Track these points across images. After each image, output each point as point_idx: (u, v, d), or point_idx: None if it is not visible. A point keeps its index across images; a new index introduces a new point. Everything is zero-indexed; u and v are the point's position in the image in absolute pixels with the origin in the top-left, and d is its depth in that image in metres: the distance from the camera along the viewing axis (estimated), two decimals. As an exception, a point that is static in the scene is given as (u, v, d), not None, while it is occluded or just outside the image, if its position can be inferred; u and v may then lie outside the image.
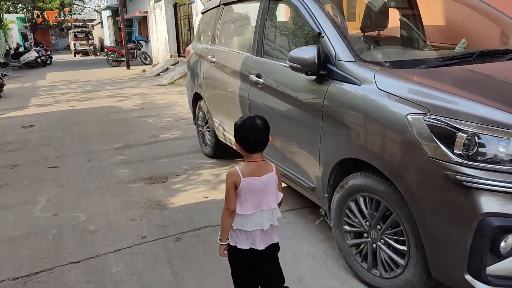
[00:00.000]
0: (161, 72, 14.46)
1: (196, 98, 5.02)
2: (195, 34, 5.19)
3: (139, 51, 20.55)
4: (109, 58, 20.16)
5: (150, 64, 19.78)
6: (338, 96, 2.40)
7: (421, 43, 3.62)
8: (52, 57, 24.15)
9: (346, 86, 2.37)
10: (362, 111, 2.22)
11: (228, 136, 4.10)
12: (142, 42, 21.24)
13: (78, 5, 41.29)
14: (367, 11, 3.57)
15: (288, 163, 3.04)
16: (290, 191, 3.51)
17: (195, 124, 5.29)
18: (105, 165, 4.88)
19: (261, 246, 1.94)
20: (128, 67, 17.87)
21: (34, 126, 7.22)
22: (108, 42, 32.64)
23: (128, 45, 18.37)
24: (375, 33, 3.73)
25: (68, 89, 12.30)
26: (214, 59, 4.25)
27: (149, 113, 7.84)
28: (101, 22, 37.14)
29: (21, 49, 23.95)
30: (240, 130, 1.94)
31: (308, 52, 2.51)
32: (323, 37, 2.61)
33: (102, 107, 8.86)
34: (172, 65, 14.59)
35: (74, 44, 33.73)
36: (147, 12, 19.21)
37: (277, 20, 3.53)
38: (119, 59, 19.97)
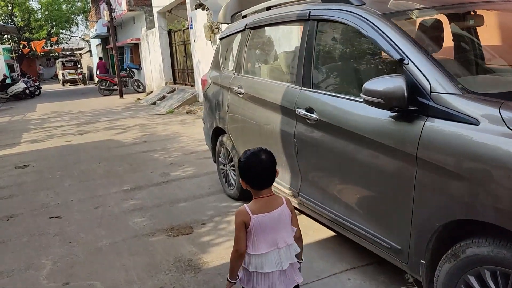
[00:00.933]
0: (157, 100, 13.95)
1: (217, 133, 4.49)
2: (212, 62, 4.70)
3: (132, 79, 20.07)
4: (100, 87, 19.62)
5: (143, 92, 19.30)
6: (443, 138, 1.88)
7: (484, 66, 3.16)
8: (41, 88, 23.52)
9: (454, 126, 1.86)
10: (488, 160, 1.70)
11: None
12: (134, 70, 20.77)
13: (65, 34, 40.98)
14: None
15: (356, 215, 2.50)
16: (341, 243, 2.97)
17: (214, 162, 4.74)
18: (116, 212, 4.27)
19: (285, 286, 1.82)
20: (121, 96, 17.33)
21: (28, 166, 6.59)
22: (98, 71, 32.14)
23: (120, 73, 17.87)
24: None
25: (61, 121, 11.69)
26: (242, 90, 3.74)
27: (153, 147, 7.27)
28: (90, 51, 36.76)
29: (8, 81, 23.32)
30: (245, 167, 1.86)
31: (393, 83, 2.01)
32: (407, 63, 2.11)
33: (101, 141, 8.26)
34: (169, 92, 14.09)
35: (63, 74, 33.18)
36: (139, 39, 18.83)
37: (331, 45, 3.04)
38: (111, 87, 19.45)
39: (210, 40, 10.23)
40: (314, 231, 3.42)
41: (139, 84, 19.96)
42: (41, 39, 31.48)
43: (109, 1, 16.51)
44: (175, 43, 15.03)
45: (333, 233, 3.34)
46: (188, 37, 13.54)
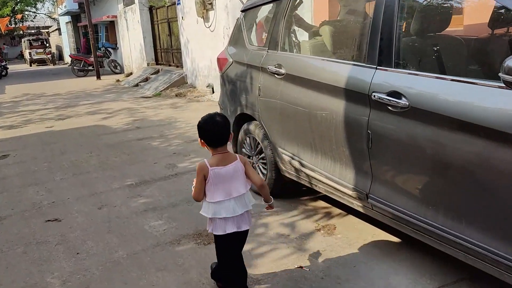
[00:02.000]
0: (140, 82, 13.08)
1: (239, 120, 3.91)
2: (231, 38, 4.07)
3: (108, 59, 18.98)
4: (74, 67, 18.43)
5: (120, 73, 18.29)
6: None
7: None
8: (8, 68, 21.99)
9: None
10: None
11: (307, 173, 3.04)
12: (110, 50, 19.64)
13: (30, 11, 38.63)
14: None
15: (467, 227, 2.00)
16: (412, 252, 2.50)
17: (235, 152, 4.16)
18: (125, 214, 3.65)
19: (233, 229, 2.15)
20: (98, 77, 16.29)
21: (8, 157, 5.82)
22: (68, 50, 30.53)
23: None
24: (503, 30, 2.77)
25: (37, 105, 10.73)
26: (281, 70, 3.15)
27: (149, 134, 6.58)
28: (59, 29, 34.84)
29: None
30: (204, 127, 2.18)
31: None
32: None
33: (87, 127, 7.49)
34: (152, 74, 13.24)
35: (30, 53, 31.30)
36: (116, 16, 17.68)
37: (428, 9, 2.48)
38: (85, 68, 18.31)
39: (203, 17, 9.47)
40: (373, 237, 2.93)
41: (116, 64, 18.90)
42: (5, 17, 29.46)
43: (83, -26, 15.33)
44: (157, 21, 14.09)
45: (396, 239, 2.86)
46: (173, 14, 12.67)
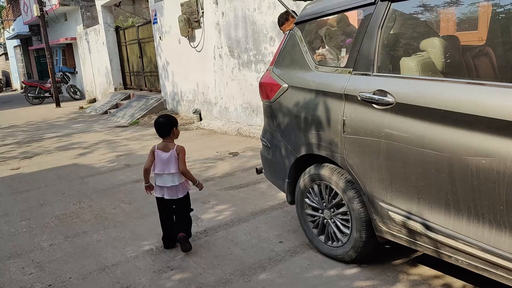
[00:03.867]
0: (109, 109, 11.85)
1: (298, 163, 3.03)
2: (281, 57, 3.21)
3: (67, 85, 17.47)
4: (29, 94, 16.75)
5: (81, 99, 16.88)
6: None
7: None
8: (-50, 97, 19.85)
9: None
10: None
11: (436, 239, 2.20)
12: (68, 74, 18.13)
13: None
14: None
15: None
16: None
17: (289, 203, 3.26)
18: (161, 301, 2.63)
19: (167, 196, 3.18)
20: (58, 105, 14.79)
21: (-30, 213, 4.56)
22: (17, 75, 28.38)
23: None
24: None
25: (-8, 140, 9.27)
26: (389, 99, 2.32)
27: (145, 173, 5.51)
28: (5, 53, 32.46)
29: None
30: (154, 125, 3.28)
31: None
32: None
33: (63, 167, 6.28)
34: (123, 100, 12.05)
35: (-27, 80, 28.80)
36: (75, 38, 16.32)
37: None
38: (41, 95, 16.71)
39: (187, 36, 8.54)
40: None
41: (76, 90, 17.46)
42: None
43: (39, -7, 13.99)
44: (126, 42, 12.97)
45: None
46: (145, 34, 11.63)
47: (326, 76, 2.80)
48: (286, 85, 3.08)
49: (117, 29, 13.28)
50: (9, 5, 27.26)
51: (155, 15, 9.77)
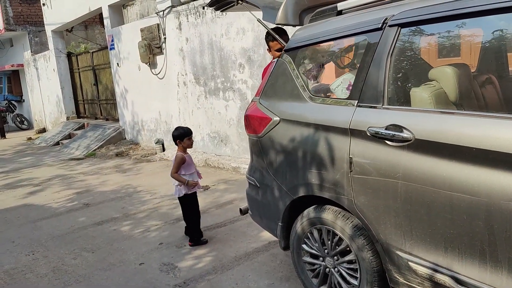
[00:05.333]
0: (62, 139, 11.05)
1: (294, 206, 2.71)
2: (269, 87, 2.91)
3: (12, 114, 16.37)
4: (-31, 125, 15.47)
5: (28, 129, 15.84)
6: None
7: None
8: None
9: None
10: None
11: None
12: (14, 103, 17.01)
13: None
14: None
15: None
16: None
17: (282, 249, 2.90)
18: None
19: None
20: (3, 136, 13.74)
21: None
22: None
23: (-1, 107, 14.23)
24: None
25: None
26: (407, 135, 2.05)
27: (108, 214, 4.96)
28: None
29: None
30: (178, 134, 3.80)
31: None
32: None
33: (11, 209, 5.58)
34: (76, 129, 11.29)
35: None
36: (22, 65, 15.37)
37: None
38: (-16, 125, 15.47)
39: (148, 63, 8.11)
40: None
41: (23, 119, 16.38)
42: None
43: (-18, 18, 13.08)
44: (79, 69, 12.29)
45: None
46: (100, 60, 11.06)
47: (325, 108, 2.53)
48: (278, 118, 2.77)
49: (69, 55, 12.59)
50: None
51: (112, 40, 9.28)
